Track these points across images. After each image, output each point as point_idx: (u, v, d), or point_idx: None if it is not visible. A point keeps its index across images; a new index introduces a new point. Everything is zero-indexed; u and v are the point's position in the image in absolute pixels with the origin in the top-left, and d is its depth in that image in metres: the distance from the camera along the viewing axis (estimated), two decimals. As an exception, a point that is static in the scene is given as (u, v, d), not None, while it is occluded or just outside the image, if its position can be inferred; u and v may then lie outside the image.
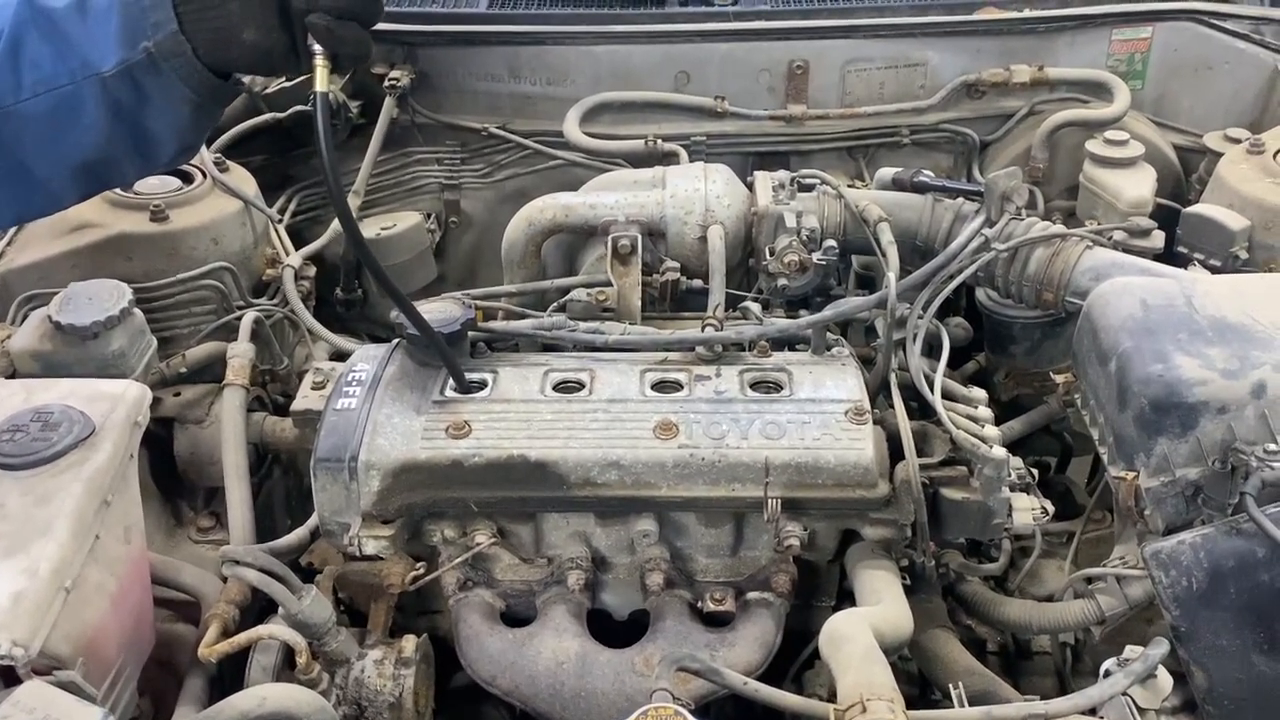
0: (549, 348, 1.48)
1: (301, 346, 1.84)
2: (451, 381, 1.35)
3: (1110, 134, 1.91)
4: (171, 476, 1.62)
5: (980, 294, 1.74)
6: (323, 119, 1.03)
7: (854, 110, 1.97)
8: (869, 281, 1.81)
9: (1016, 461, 1.34)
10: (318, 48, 1.03)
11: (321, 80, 1.04)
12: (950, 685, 1.16)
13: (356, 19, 1.03)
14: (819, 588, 1.44)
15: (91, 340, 1.43)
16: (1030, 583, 1.56)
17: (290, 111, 2.08)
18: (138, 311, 1.50)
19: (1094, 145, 1.91)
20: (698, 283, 1.63)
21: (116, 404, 1.22)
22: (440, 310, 1.41)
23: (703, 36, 1.96)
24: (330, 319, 1.97)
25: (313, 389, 1.46)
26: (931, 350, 1.47)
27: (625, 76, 2.01)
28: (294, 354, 1.83)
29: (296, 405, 1.46)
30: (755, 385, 1.37)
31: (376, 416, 1.30)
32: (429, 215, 2.16)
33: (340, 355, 1.71)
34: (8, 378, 1.43)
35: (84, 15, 1.05)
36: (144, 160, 1.13)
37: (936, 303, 1.49)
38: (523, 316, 1.54)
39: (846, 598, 1.45)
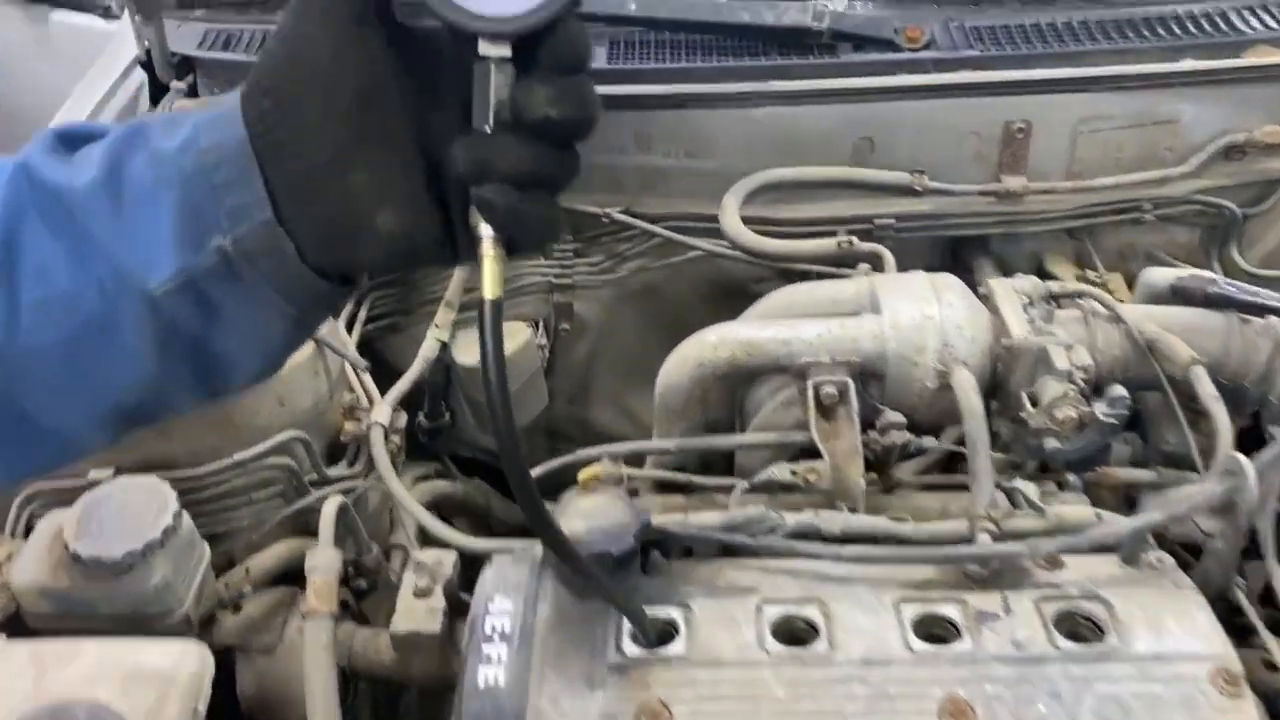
0: (729, 547, 1.07)
1: (383, 513, 1.44)
2: (627, 625, 0.95)
3: None
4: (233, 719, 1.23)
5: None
6: (493, 339, 0.62)
7: (1087, 184, 1.52)
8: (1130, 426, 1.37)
9: None
10: (486, 229, 0.61)
11: (492, 280, 0.61)
12: None
13: (547, 186, 0.62)
14: None
15: (125, 574, 1.03)
16: None
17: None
18: (186, 518, 1.09)
19: None
20: (930, 441, 1.22)
21: (167, 690, 0.89)
22: (601, 513, 1.02)
23: (891, 94, 1.50)
24: (412, 449, 1.58)
25: (415, 597, 1.13)
26: None
27: (788, 145, 1.54)
28: (378, 521, 1.43)
29: (398, 626, 1.12)
30: (1061, 624, 0.95)
31: (539, 704, 0.90)
32: (535, 324, 1.72)
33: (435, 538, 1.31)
34: (8, 618, 1.04)
35: (117, 199, 0.61)
36: (208, 390, 0.69)
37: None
38: (684, 486, 1.20)
39: None
